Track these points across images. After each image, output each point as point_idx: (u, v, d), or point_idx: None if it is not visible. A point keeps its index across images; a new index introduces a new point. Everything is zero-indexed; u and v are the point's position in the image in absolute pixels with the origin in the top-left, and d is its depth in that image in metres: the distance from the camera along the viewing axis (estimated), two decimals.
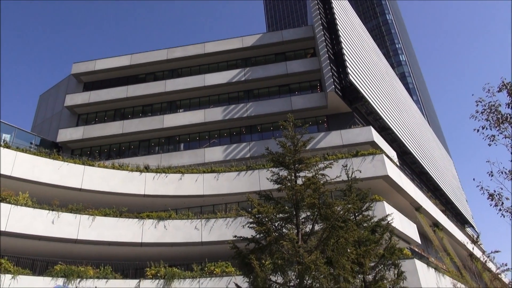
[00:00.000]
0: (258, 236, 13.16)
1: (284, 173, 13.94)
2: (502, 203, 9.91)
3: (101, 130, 33.48)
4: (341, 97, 31.10)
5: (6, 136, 27.61)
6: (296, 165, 13.77)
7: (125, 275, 22.71)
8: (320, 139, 29.67)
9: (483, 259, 27.93)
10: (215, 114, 32.94)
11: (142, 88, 35.27)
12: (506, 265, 23.43)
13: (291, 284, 12.19)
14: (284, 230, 13.12)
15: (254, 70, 34.65)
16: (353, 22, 39.83)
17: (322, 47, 32.98)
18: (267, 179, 14.80)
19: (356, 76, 31.90)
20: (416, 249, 31.36)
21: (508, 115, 9.85)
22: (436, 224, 35.85)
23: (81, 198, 24.74)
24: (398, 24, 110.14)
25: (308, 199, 12.67)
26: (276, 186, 13.96)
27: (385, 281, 15.31)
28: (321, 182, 13.27)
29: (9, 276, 19.10)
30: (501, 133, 9.89)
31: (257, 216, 13.25)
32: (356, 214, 17.16)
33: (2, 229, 20.67)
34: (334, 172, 15.97)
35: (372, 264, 16.40)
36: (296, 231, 12.99)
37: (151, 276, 21.79)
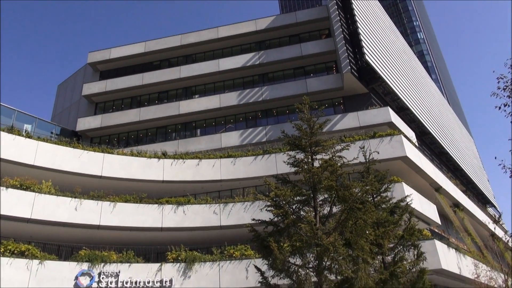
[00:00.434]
0: (276, 219, 13.22)
1: (300, 156, 13.89)
2: None
3: (119, 118, 33.90)
4: (357, 78, 30.61)
5: (28, 126, 28.24)
6: (313, 148, 13.68)
7: (147, 259, 23.25)
8: (337, 121, 29.37)
9: (505, 239, 27.53)
10: (230, 99, 32.90)
11: (157, 75, 35.41)
12: None
13: (310, 265, 12.27)
14: (301, 212, 13.14)
15: (269, 53, 34.31)
16: (368, 0, 38.85)
17: (337, 28, 32.35)
18: (284, 162, 14.79)
19: (372, 56, 31.28)
20: (436, 230, 31.11)
21: None
22: (456, 205, 35.36)
23: (101, 185, 25.25)
24: (415, 0, 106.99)
25: (325, 181, 12.62)
26: (293, 169, 13.93)
27: (404, 262, 15.26)
28: (338, 164, 13.17)
29: (36, 261, 19.79)
30: None
31: (274, 199, 13.29)
32: (374, 195, 17.05)
33: (28, 216, 21.32)
34: (351, 154, 15.83)
35: (391, 245, 16.35)
36: (314, 213, 12.99)
37: (172, 260, 22.25)
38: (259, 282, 13.03)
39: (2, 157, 22.41)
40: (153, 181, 26.35)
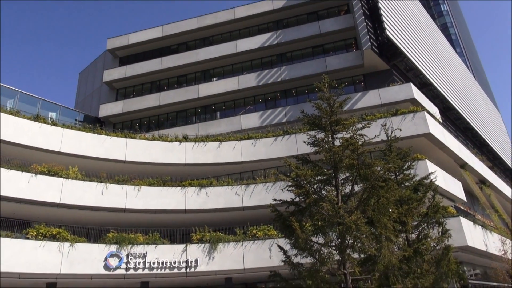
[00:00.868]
0: (297, 198, 13.26)
1: (321, 135, 13.78)
2: None
3: (139, 103, 34.32)
4: (378, 54, 29.88)
5: (52, 114, 28.94)
6: (333, 127, 13.54)
7: (172, 241, 23.83)
8: (357, 99, 28.91)
9: None
10: (249, 80, 32.76)
11: (175, 59, 35.49)
12: None
13: (333, 244, 12.31)
14: (323, 192, 13.13)
15: (286, 32, 33.80)
16: None
17: (356, 3, 31.49)
18: (304, 142, 14.72)
19: (393, 31, 30.39)
20: (462, 207, 30.61)
21: None
22: (482, 181, 34.61)
23: (125, 169, 25.81)
24: None
25: (346, 160, 12.52)
26: (313, 149, 13.86)
27: (428, 239, 15.13)
28: (360, 142, 13.01)
29: (67, 244, 20.57)
30: None
31: (295, 179, 13.31)
32: (397, 173, 16.84)
33: (57, 201, 22.06)
34: (373, 132, 15.59)
35: (415, 223, 16.21)
36: (335, 192, 12.96)
37: (196, 241, 22.74)
38: (282, 261, 13.19)
39: (29, 144, 23.11)
40: (175, 164, 26.75)
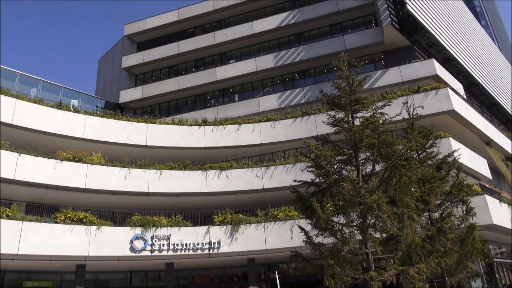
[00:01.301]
0: (317, 179, 13.24)
1: (340, 115, 13.62)
2: None
3: (158, 88, 34.56)
4: (398, 30, 29.03)
5: (74, 102, 29.49)
6: (353, 106, 13.34)
7: (195, 223, 24.26)
8: (378, 77, 28.30)
9: None
10: (266, 61, 32.45)
11: (192, 43, 35.40)
12: None
13: (354, 224, 12.29)
14: (343, 172, 13.06)
15: (303, 11, 33.12)
16: None
17: None
18: (324, 122, 14.59)
19: (414, 5, 29.38)
20: (487, 185, 29.95)
21: None
22: (509, 158, 33.65)
23: (147, 154, 26.22)
24: None
25: (367, 139, 12.37)
26: (333, 129, 13.74)
27: (452, 218, 14.92)
28: (380, 121, 12.81)
29: (94, 227, 21.22)
30: None
31: (315, 160, 13.26)
32: (419, 151, 16.57)
33: (83, 186, 22.66)
34: (394, 110, 15.28)
35: (438, 201, 15.99)
36: (356, 172, 12.87)
37: (219, 223, 23.08)
38: (304, 241, 13.28)
39: (53, 132, 23.68)
40: (195, 148, 27.01)
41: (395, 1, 30.13)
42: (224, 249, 22.37)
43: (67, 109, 25.01)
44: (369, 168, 13.04)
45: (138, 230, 21.96)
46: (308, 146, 13.52)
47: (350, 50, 29.54)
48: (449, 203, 15.79)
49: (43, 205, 22.64)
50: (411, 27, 29.87)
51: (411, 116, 17.16)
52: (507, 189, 33.25)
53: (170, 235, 22.22)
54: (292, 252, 13.53)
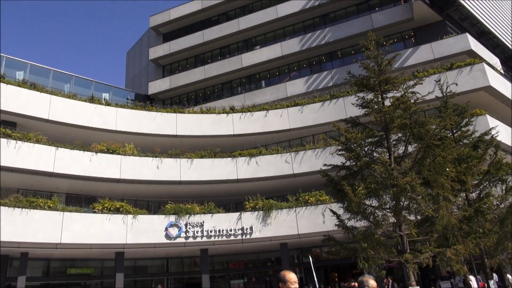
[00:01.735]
0: (348, 162, 13.07)
1: (370, 96, 13.32)
2: None
3: (186, 78, 34.86)
4: (428, 5, 27.84)
5: (105, 95, 30.26)
6: (382, 86, 13.01)
7: (227, 209, 24.60)
8: (408, 56, 27.38)
9: None
10: (292, 45, 32.02)
11: (216, 31, 35.35)
12: None
13: (387, 206, 12.10)
14: (374, 154, 12.83)
15: None
16: None
17: None
18: (353, 104, 14.33)
19: None
20: None
21: None
22: None
23: (177, 143, 26.66)
24: None
25: (398, 120, 12.05)
26: (362, 111, 13.49)
27: (491, 198, 14.40)
28: (412, 100, 12.44)
29: (130, 216, 21.91)
30: None
31: (345, 143, 13.09)
32: (454, 130, 16.01)
33: (118, 177, 23.39)
34: (426, 89, 14.81)
35: (476, 181, 15.46)
36: (387, 154, 12.61)
37: (250, 209, 23.30)
38: (336, 225, 13.21)
39: (87, 125, 24.45)
40: (224, 135, 27.21)
41: None
42: (256, 234, 22.60)
43: (99, 103, 25.71)
44: (401, 150, 12.75)
45: (172, 218, 22.51)
46: (337, 129, 13.33)
47: (378, 29, 28.64)
48: (487, 182, 15.24)
49: (82, 196, 23.57)
50: (442, 0, 28.58)
51: (445, 94, 16.57)
52: None
53: (203, 222, 22.65)
54: (324, 236, 13.50)
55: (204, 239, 22.42)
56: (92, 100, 25.57)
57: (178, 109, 28.26)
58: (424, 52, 27.02)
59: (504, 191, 15.18)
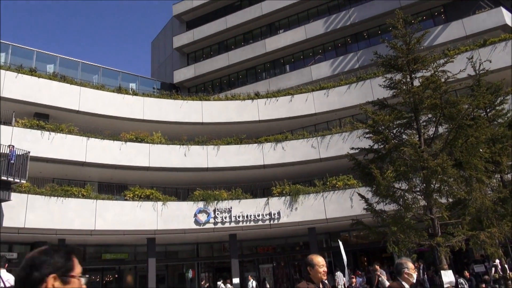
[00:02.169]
0: (376, 145, 12.82)
1: (398, 76, 12.95)
2: None
3: (210, 65, 34.92)
4: None
5: (132, 85, 30.81)
6: (411, 66, 12.60)
7: (254, 195, 24.74)
8: (438, 33, 26.36)
9: None
10: (316, 28, 31.42)
11: (239, 16, 35.08)
12: None
13: (417, 189, 11.83)
14: (403, 136, 12.52)
15: None
16: None
17: None
18: (380, 86, 13.97)
19: None
20: None
21: None
22: None
23: (203, 131, 26.88)
24: None
25: (428, 100, 11.67)
26: (390, 93, 13.15)
27: None
28: (442, 79, 11.99)
29: (160, 203, 22.43)
30: None
31: (373, 125, 12.82)
32: (488, 109, 15.37)
33: (146, 165, 23.90)
34: (457, 67, 14.21)
35: (511, 162, 14.85)
36: (417, 136, 12.27)
37: (277, 194, 23.35)
38: (364, 209, 13.07)
39: (115, 115, 24.97)
40: (249, 122, 27.22)
41: None
42: (284, 219, 22.68)
43: (127, 93, 26.18)
44: (431, 131, 12.38)
45: (200, 204, 22.86)
46: (364, 112, 13.06)
47: (405, 7, 27.64)
48: None
49: (113, 184, 24.24)
50: None
51: (477, 72, 15.88)
52: None
53: (231, 208, 22.89)
54: (352, 220, 13.37)
55: (233, 224, 22.69)
56: (119, 90, 26.05)
57: (203, 96, 28.42)
58: (455, 29, 25.94)
59: None
